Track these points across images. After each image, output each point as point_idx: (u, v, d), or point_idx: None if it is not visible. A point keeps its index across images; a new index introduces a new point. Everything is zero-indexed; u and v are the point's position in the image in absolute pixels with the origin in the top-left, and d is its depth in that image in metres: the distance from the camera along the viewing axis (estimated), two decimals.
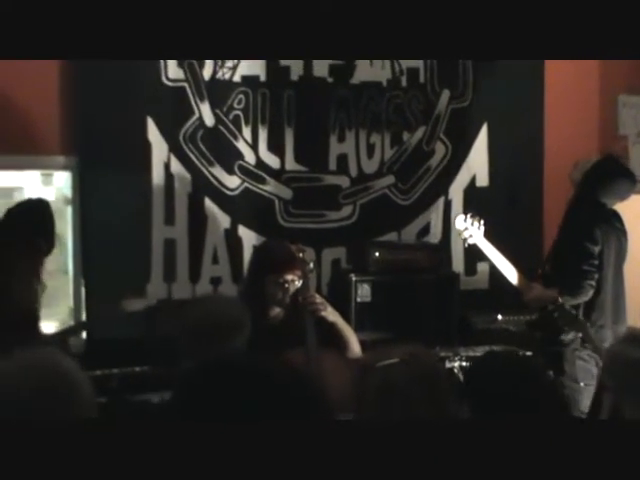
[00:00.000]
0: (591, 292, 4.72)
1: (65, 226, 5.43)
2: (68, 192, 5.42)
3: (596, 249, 4.75)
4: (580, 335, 4.64)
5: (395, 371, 2.26)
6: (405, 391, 2.22)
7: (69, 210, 5.42)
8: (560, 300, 4.57)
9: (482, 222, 4.87)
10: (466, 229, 4.84)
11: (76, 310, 5.38)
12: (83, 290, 5.34)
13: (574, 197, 4.99)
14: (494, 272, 5.24)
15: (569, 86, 6.19)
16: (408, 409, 2.20)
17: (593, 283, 4.72)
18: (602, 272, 4.78)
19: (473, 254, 5.50)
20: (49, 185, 5.49)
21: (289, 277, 3.99)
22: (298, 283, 4.01)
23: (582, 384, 4.66)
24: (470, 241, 4.87)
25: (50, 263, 4.80)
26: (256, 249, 4.64)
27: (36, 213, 4.49)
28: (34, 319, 4.42)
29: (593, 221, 4.81)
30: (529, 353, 4.63)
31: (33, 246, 4.40)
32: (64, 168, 5.37)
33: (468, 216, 4.88)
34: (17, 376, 1.76)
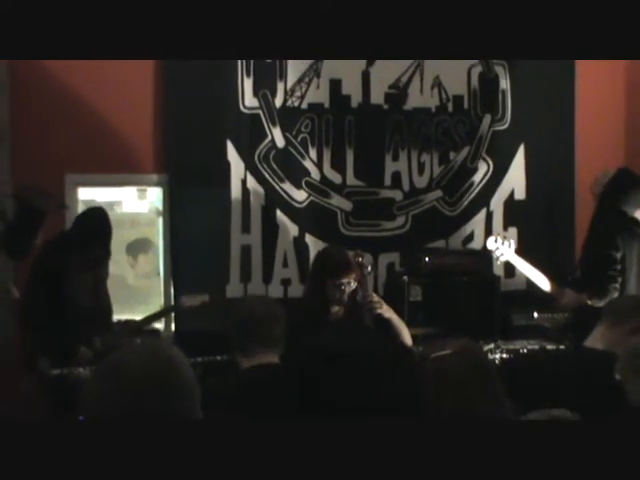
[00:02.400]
0: (616, 294, 4.83)
1: (157, 234, 6.06)
2: (160, 205, 6.01)
3: (618, 255, 4.89)
4: None
5: (448, 361, 2.35)
6: (458, 379, 2.32)
7: (160, 221, 6.01)
8: (589, 303, 4.87)
9: (512, 241, 5.05)
10: (497, 248, 4.99)
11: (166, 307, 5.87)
12: (172, 290, 5.87)
13: (596, 208, 5.18)
14: None
15: (598, 108, 6.48)
16: (460, 396, 2.30)
17: (617, 286, 4.87)
18: (625, 275, 4.92)
19: None
20: (143, 199, 6.14)
21: (345, 280, 4.17)
22: (353, 284, 4.19)
23: None
24: (502, 259, 5.06)
25: (145, 266, 5.39)
26: (316, 256, 4.73)
27: (91, 222, 4.88)
28: (101, 312, 4.84)
29: (614, 229, 4.94)
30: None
31: (88, 251, 4.82)
32: (156, 184, 5.98)
33: (498, 237, 5.04)
34: (139, 364, 1.71)
